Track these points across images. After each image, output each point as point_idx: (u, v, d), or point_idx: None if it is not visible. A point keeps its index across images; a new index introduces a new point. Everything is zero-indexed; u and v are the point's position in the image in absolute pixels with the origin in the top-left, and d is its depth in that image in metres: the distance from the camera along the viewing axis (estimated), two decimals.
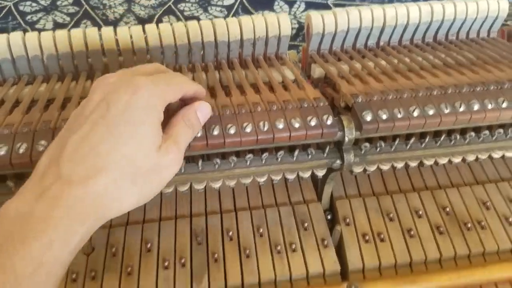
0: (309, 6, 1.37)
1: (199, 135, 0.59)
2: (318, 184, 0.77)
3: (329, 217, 0.73)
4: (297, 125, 0.61)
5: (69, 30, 0.73)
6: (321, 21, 0.81)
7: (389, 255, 0.66)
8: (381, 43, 0.86)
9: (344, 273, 0.65)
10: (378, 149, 0.65)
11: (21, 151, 0.54)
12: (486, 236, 0.68)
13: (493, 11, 0.86)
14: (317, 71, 0.82)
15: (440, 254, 0.66)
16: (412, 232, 0.68)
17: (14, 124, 0.58)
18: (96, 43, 0.74)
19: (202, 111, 0.55)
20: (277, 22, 0.78)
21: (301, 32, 1.30)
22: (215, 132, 0.59)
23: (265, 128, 0.60)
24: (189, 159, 0.63)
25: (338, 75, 0.75)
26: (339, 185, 0.76)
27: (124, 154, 0.44)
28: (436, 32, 0.88)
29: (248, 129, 0.60)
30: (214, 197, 0.74)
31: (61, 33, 0.72)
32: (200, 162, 0.62)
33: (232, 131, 0.60)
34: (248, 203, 0.74)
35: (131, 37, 0.74)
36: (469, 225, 0.69)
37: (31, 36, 0.72)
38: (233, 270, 0.64)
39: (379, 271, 0.65)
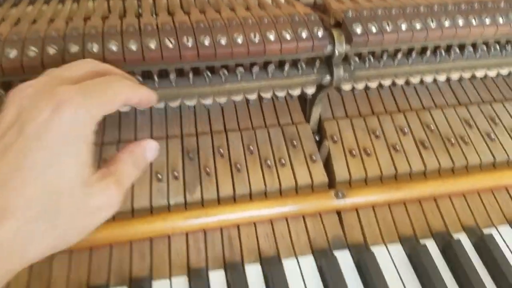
0: None
1: (190, 45, 0.59)
2: (306, 108, 0.78)
3: (317, 138, 0.75)
4: (288, 36, 0.62)
5: None
6: None
7: (375, 168, 0.68)
8: None
9: (332, 185, 0.68)
10: (367, 64, 0.67)
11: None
12: (469, 151, 0.71)
13: None
14: None
15: (424, 166, 0.69)
16: (397, 147, 0.71)
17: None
18: None
19: (151, 151, 0.49)
20: None
21: None
22: (206, 42, 0.60)
23: (256, 40, 0.61)
24: (180, 73, 0.63)
25: None
26: (326, 108, 0.77)
27: (39, 190, 0.35)
28: None
29: (239, 40, 0.60)
30: (204, 119, 0.75)
31: None
32: (190, 75, 0.62)
33: (223, 41, 0.60)
34: (238, 124, 0.75)
35: None
36: (452, 140, 0.72)
37: None
38: (224, 182, 0.65)
39: (365, 183, 0.68)
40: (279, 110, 0.77)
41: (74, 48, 0.55)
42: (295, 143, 0.71)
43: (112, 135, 0.71)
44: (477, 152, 0.72)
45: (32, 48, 0.55)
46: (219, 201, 0.64)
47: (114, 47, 0.56)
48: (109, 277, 0.56)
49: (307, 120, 0.77)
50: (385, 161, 0.69)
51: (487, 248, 0.59)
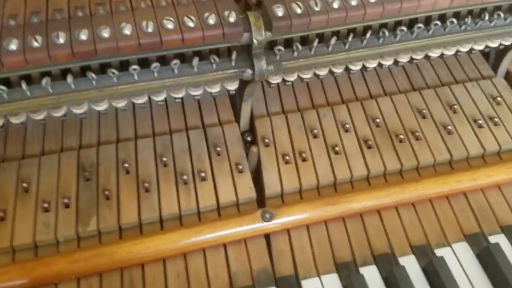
0: None
1: (61, 41, 0.46)
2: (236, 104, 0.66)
3: (248, 138, 0.64)
4: (191, 24, 0.49)
5: None
6: None
7: (311, 176, 0.58)
8: None
9: (261, 199, 0.57)
10: (296, 53, 0.54)
11: None
12: (421, 148, 0.61)
13: None
14: None
15: (367, 170, 0.58)
16: (337, 148, 0.60)
17: None
18: None
19: None
20: None
21: None
22: (83, 37, 0.46)
23: (150, 29, 0.48)
24: (56, 76, 0.50)
25: None
26: (260, 103, 0.66)
27: None
28: None
29: (127, 31, 0.47)
30: (110, 125, 0.62)
31: None
32: (70, 79, 0.49)
33: (105, 34, 0.47)
34: (152, 129, 0.62)
35: None
36: (401, 136, 0.61)
37: None
38: (128, 207, 0.54)
39: (299, 194, 0.57)
40: (204, 108, 0.65)
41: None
42: (219, 149, 0.59)
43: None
44: (430, 150, 0.61)
45: None
46: (121, 233, 0.52)
47: None
48: None
49: (237, 117, 0.65)
50: (323, 167, 0.58)
51: (436, 273, 0.50)
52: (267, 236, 0.54)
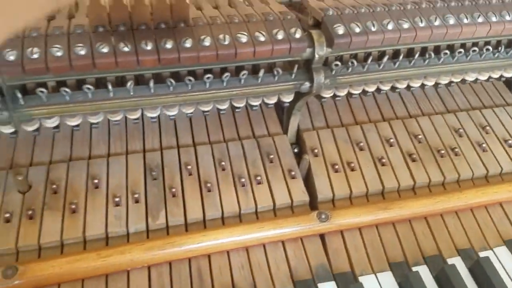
0: None
1: (149, 48, 0.51)
2: (283, 119, 0.71)
3: (295, 150, 0.68)
4: (262, 38, 0.54)
5: None
6: None
7: (360, 184, 0.62)
8: None
9: (313, 204, 0.61)
10: (350, 68, 0.60)
11: None
12: (460, 163, 0.65)
13: None
14: None
15: (413, 181, 0.63)
16: (383, 160, 0.64)
17: None
18: None
19: None
20: None
21: None
22: (168, 46, 0.52)
23: (226, 42, 0.53)
24: (139, 81, 0.55)
25: None
26: (305, 118, 0.71)
27: None
28: None
29: (207, 43, 0.53)
30: (170, 132, 0.67)
31: None
32: (151, 83, 0.54)
33: (187, 44, 0.52)
34: (208, 137, 0.67)
35: None
36: (442, 151, 0.66)
37: None
38: (193, 204, 0.57)
39: (350, 201, 0.61)
40: (253, 120, 0.70)
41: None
42: (272, 157, 0.64)
43: (62, 151, 0.62)
44: (469, 164, 0.66)
45: None
46: (186, 227, 0.56)
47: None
48: None
49: (284, 130, 0.70)
50: (370, 176, 0.62)
51: (483, 272, 0.53)
52: (321, 237, 0.57)
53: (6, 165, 0.59)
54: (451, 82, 0.67)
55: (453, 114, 0.72)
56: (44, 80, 0.51)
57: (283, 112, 0.70)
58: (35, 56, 0.48)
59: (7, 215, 0.53)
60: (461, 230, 0.59)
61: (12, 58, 0.48)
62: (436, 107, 0.74)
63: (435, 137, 0.68)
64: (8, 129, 0.53)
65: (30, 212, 0.54)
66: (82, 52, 0.49)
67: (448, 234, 0.59)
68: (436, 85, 0.68)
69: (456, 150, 0.66)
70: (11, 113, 0.51)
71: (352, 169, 0.63)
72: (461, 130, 0.69)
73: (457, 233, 0.59)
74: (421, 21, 0.58)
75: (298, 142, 0.69)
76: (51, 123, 0.55)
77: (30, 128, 0.54)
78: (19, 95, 0.50)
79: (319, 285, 0.52)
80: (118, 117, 0.57)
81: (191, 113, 0.60)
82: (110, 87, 0.52)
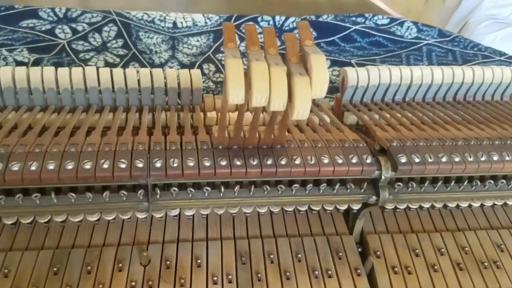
0: (334, 64, 1.51)
1: (255, 163, 0.68)
2: (348, 220, 0.84)
3: (359, 250, 0.80)
4: (340, 161, 0.70)
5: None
6: (355, 76, 0.92)
7: (415, 286, 0.73)
8: (407, 99, 0.97)
9: None
10: (410, 189, 0.74)
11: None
12: (501, 275, 0.75)
13: (507, 77, 0.97)
14: (349, 119, 0.93)
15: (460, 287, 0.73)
16: (436, 267, 0.75)
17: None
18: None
19: None
20: None
21: None
22: (269, 162, 0.68)
23: (312, 161, 0.69)
24: (241, 185, 0.71)
25: (370, 122, 0.85)
26: (368, 222, 0.84)
27: None
28: (456, 93, 0.99)
29: (297, 161, 0.69)
30: (255, 223, 0.82)
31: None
32: (252, 188, 0.70)
33: (283, 162, 0.69)
34: (285, 231, 0.81)
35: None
36: (485, 264, 0.76)
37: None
38: None
39: None
40: (324, 220, 0.84)
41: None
42: (340, 254, 0.77)
43: (172, 232, 0.78)
44: (508, 277, 0.76)
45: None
46: None
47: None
48: None
49: (350, 231, 0.83)
50: (425, 281, 0.73)
51: None
52: None
53: (130, 240, 0.76)
54: (494, 204, 0.79)
55: (496, 230, 0.83)
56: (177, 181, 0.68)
57: (349, 215, 0.84)
58: (175, 165, 0.66)
59: (133, 284, 0.68)
60: None
61: (158, 165, 0.66)
62: (481, 223, 0.86)
63: (480, 250, 0.79)
64: (143, 215, 0.70)
65: (150, 283, 0.69)
66: (207, 164, 0.67)
67: None
68: (482, 206, 0.80)
69: (498, 263, 0.77)
70: (150, 205, 0.68)
71: (409, 273, 0.74)
72: (502, 246, 0.80)
73: None
74: (470, 156, 0.73)
75: (362, 242, 0.82)
76: (174, 212, 0.72)
77: (159, 216, 0.71)
78: (158, 191, 0.67)
79: None
80: (222, 211, 0.74)
81: (277, 212, 0.75)
82: (222, 189, 0.69)
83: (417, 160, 0.71)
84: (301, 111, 0.54)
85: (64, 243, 0.74)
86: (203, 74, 1.34)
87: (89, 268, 0.69)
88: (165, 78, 0.86)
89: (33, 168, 0.62)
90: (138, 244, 0.75)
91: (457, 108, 0.94)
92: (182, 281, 0.70)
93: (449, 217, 0.86)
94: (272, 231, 0.81)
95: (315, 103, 0.94)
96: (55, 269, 0.68)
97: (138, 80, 0.84)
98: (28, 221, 0.68)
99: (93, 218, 0.69)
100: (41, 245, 0.73)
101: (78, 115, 0.80)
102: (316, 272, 0.73)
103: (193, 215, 0.80)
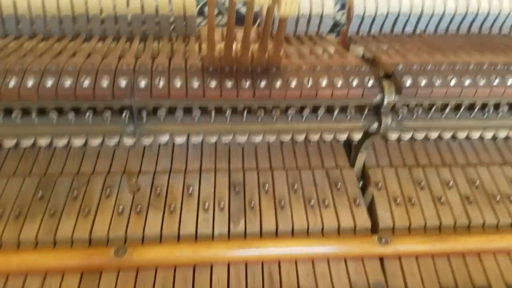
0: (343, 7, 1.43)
1: (247, 85, 0.63)
2: (350, 154, 0.80)
3: (360, 184, 0.76)
4: (339, 83, 0.65)
5: None
6: (362, 4, 0.85)
7: (419, 217, 0.68)
8: (417, 32, 0.90)
9: (374, 231, 0.68)
10: (415, 115, 0.69)
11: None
12: None
13: None
14: (355, 52, 0.87)
15: (469, 220, 0.69)
16: (442, 200, 0.71)
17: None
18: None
19: None
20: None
21: (335, 29, 1.35)
22: (262, 84, 0.64)
23: (309, 84, 0.65)
24: (234, 111, 0.67)
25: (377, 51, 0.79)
26: (371, 156, 0.79)
27: None
28: (470, 25, 0.92)
29: (293, 84, 0.64)
30: (251, 156, 0.78)
31: None
32: (245, 114, 0.66)
33: (278, 84, 0.64)
34: (283, 164, 0.77)
35: None
36: (498, 198, 0.71)
37: None
38: (268, 217, 0.67)
39: (408, 231, 0.68)
40: (324, 154, 0.80)
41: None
42: (339, 186, 0.73)
43: (165, 164, 0.75)
44: None
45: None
46: (261, 234, 0.65)
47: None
48: None
49: (351, 166, 0.79)
50: (429, 212, 0.69)
51: None
52: (381, 261, 0.64)
53: (121, 169, 0.73)
54: (508, 136, 0.73)
55: (510, 166, 0.78)
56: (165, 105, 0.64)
57: (351, 150, 0.79)
58: (161, 85, 0.62)
59: (120, 208, 0.66)
60: None
61: (142, 85, 0.62)
62: (495, 158, 0.80)
63: (492, 185, 0.74)
64: (131, 141, 0.67)
65: (138, 209, 0.66)
66: (196, 85, 0.63)
67: (499, 272, 0.63)
68: (495, 138, 0.74)
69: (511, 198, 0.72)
70: (136, 128, 0.64)
71: (413, 204, 0.70)
72: None
73: (509, 272, 0.63)
74: (482, 80, 0.66)
75: (363, 177, 0.78)
76: (163, 138, 0.68)
77: (147, 142, 0.68)
78: (144, 114, 0.64)
79: None
80: (214, 139, 0.70)
81: (274, 141, 0.71)
82: (213, 114, 0.65)
83: (423, 82, 0.65)
84: (289, 2, 0.49)
85: (52, 171, 0.72)
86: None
87: (75, 194, 0.67)
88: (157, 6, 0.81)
89: (11, 84, 0.59)
90: (128, 174, 0.72)
91: (471, 40, 0.87)
92: (172, 207, 0.67)
93: (459, 152, 0.80)
94: (269, 165, 0.77)
95: (320, 36, 0.88)
96: (39, 194, 0.66)
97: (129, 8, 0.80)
98: (12, 143, 0.65)
99: (78, 142, 0.66)
100: (28, 172, 0.71)
101: (66, 43, 0.76)
102: (312, 202, 0.69)
103: (187, 147, 0.77)
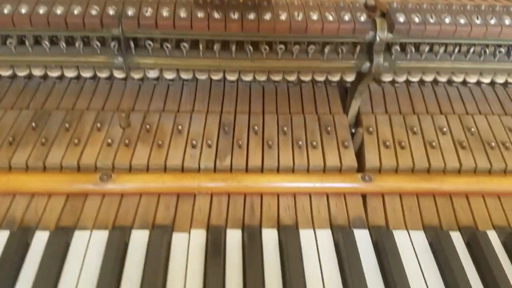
0: None
1: (236, 17, 0.63)
2: (345, 102, 0.79)
3: (353, 130, 0.75)
4: (330, 18, 0.64)
5: None
6: None
7: (407, 160, 0.67)
8: None
9: (361, 172, 0.67)
10: (408, 55, 0.67)
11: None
12: (510, 155, 0.68)
13: None
14: None
15: (460, 164, 0.67)
16: (434, 144, 0.69)
17: None
18: None
19: None
20: None
21: None
22: (251, 16, 0.63)
23: (299, 18, 0.64)
24: (224, 46, 0.67)
25: None
26: (366, 103, 0.78)
27: None
28: None
29: (283, 17, 0.64)
30: (245, 101, 0.78)
31: None
32: (233, 48, 0.66)
33: (267, 17, 0.63)
34: (276, 109, 0.77)
35: None
36: (493, 144, 0.69)
37: None
38: (254, 155, 0.67)
39: (395, 172, 0.67)
40: (318, 101, 0.79)
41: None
42: (329, 129, 0.72)
43: (158, 104, 0.76)
44: None
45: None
46: (247, 170, 0.66)
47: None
48: (134, 220, 0.59)
49: (345, 112, 0.77)
50: (419, 155, 0.68)
51: None
52: (363, 198, 0.64)
53: (114, 107, 0.74)
54: (507, 82, 0.71)
55: (510, 116, 0.75)
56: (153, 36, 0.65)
57: (346, 97, 0.78)
58: (148, 14, 0.62)
59: (109, 141, 0.67)
60: (501, 211, 0.62)
61: (130, 13, 0.62)
62: (494, 109, 0.78)
63: (488, 132, 0.72)
64: (120, 74, 0.68)
65: (127, 142, 0.67)
66: (184, 15, 0.63)
67: (487, 212, 0.62)
68: (493, 85, 0.72)
69: (507, 145, 0.69)
70: (125, 60, 0.65)
71: (402, 147, 0.69)
72: None
73: (496, 213, 0.62)
74: (478, 19, 0.64)
75: (357, 124, 0.77)
76: (153, 73, 0.69)
77: (137, 76, 0.69)
78: (132, 45, 0.64)
79: (353, 230, 0.59)
80: (204, 76, 0.70)
81: (264, 81, 0.71)
82: (201, 47, 0.65)
83: (416, 20, 0.64)
84: None
85: (48, 106, 0.74)
86: None
87: (67, 125, 0.69)
88: None
89: (5, 11, 0.61)
90: (121, 111, 0.73)
91: None
92: (160, 143, 0.68)
93: (458, 101, 0.78)
94: (262, 109, 0.77)
95: None
96: (33, 124, 0.68)
97: None
98: (7, 73, 0.67)
99: (70, 73, 0.67)
100: (26, 106, 0.73)
101: None
102: (300, 143, 0.69)
103: (181, 91, 0.78)
